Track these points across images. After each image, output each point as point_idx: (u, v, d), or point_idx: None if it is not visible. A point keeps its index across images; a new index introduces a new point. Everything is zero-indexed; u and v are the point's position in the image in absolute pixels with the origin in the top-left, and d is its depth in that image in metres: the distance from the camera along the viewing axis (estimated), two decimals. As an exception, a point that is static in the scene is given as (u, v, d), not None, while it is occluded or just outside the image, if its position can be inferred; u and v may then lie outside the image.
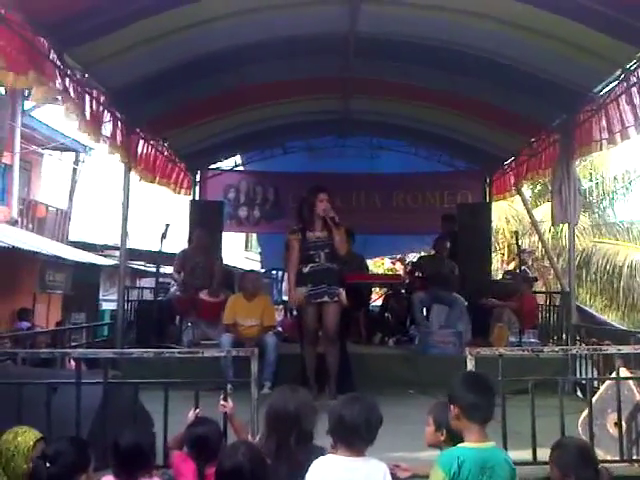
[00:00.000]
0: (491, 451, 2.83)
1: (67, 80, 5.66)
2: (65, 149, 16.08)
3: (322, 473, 2.74)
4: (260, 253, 15.71)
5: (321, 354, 5.90)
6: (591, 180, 18.89)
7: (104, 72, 6.17)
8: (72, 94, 5.83)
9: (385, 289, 10.44)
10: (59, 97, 5.53)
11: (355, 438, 2.76)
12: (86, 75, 6.05)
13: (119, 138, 7.09)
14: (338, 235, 5.78)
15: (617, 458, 3.61)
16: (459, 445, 2.82)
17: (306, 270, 5.86)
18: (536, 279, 11.81)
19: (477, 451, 2.78)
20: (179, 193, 10.00)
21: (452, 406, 2.87)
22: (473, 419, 2.83)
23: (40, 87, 5.01)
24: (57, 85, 5.48)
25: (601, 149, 6.72)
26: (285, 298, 11.14)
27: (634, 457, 3.71)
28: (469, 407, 2.84)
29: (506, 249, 17.86)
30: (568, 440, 3.10)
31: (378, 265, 21.56)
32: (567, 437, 3.19)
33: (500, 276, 11.49)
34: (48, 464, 2.78)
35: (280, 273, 11.04)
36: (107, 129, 6.86)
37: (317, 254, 5.81)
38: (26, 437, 3.05)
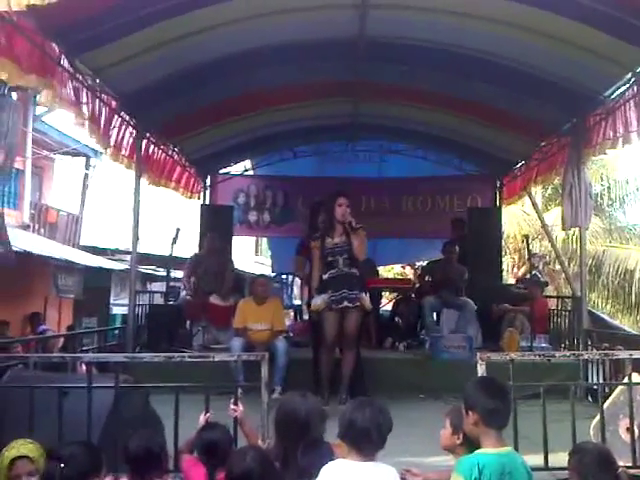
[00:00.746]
0: (509, 456, 2.82)
1: (78, 85, 5.71)
2: (76, 154, 16.16)
3: (332, 477, 2.74)
4: (271, 257, 15.73)
5: (334, 360, 5.89)
6: (602, 184, 18.80)
7: (115, 77, 6.21)
8: (83, 99, 5.88)
9: (395, 294, 10.43)
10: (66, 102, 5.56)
11: (366, 442, 2.74)
12: (97, 80, 6.09)
13: (129, 143, 7.14)
14: (356, 240, 5.77)
15: (630, 464, 3.58)
16: (478, 451, 2.81)
17: (325, 277, 5.86)
18: (547, 284, 11.75)
19: (496, 457, 2.77)
20: (189, 197, 10.04)
21: (470, 412, 2.86)
22: (492, 425, 2.82)
23: (48, 90, 5.05)
24: (68, 90, 5.54)
25: (612, 147, 6.65)
26: (296, 302, 11.18)
27: (647, 463, 3.67)
28: (489, 413, 2.83)
29: (517, 253, 17.79)
30: (588, 445, 3.08)
31: (388, 269, 21.51)
32: (586, 442, 3.16)
33: (510, 280, 11.45)
34: (62, 465, 2.79)
35: (290, 277, 11.06)
36: (117, 134, 6.92)
37: (336, 260, 5.80)
38: (9, 454, 2.99)
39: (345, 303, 5.73)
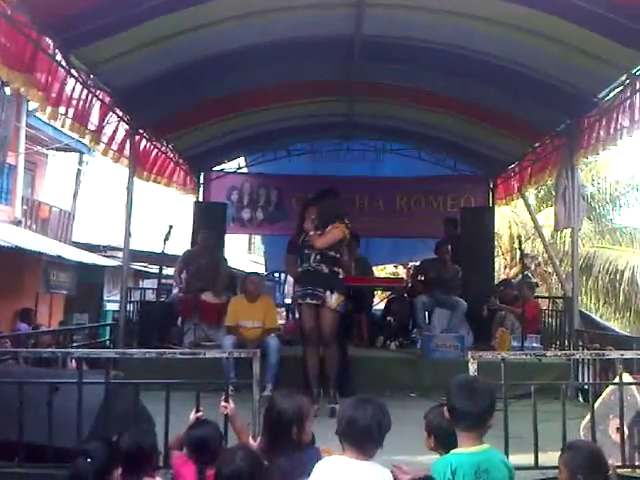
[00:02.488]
0: (485, 454, 2.80)
1: (72, 80, 5.69)
2: (69, 150, 16.11)
3: (327, 473, 2.73)
4: (264, 255, 15.72)
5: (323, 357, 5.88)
6: (593, 185, 18.88)
7: (109, 73, 6.20)
8: (77, 95, 5.86)
9: (388, 293, 10.43)
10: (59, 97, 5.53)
11: (366, 440, 2.73)
12: (91, 76, 6.07)
13: (123, 139, 7.13)
14: (313, 231, 5.75)
15: (619, 464, 3.59)
16: (453, 451, 2.81)
17: (299, 270, 5.92)
18: (537, 284, 11.78)
19: (470, 456, 2.76)
20: (182, 194, 10.02)
21: (448, 412, 2.86)
22: (460, 426, 2.82)
23: (35, 90, 5.04)
24: (61, 85, 5.53)
25: (604, 148, 6.68)
26: (288, 300, 11.17)
27: (636, 462, 3.69)
28: (458, 413, 2.82)
29: (509, 254, 17.85)
30: (581, 443, 3.09)
31: (380, 269, 21.54)
32: (579, 440, 3.17)
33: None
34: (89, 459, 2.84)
35: (283, 275, 11.05)
36: (111, 130, 6.90)
37: (309, 254, 5.80)
38: None
39: (307, 299, 5.72)
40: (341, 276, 5.83)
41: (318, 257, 5.75)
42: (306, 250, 5.82)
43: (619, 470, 3.49)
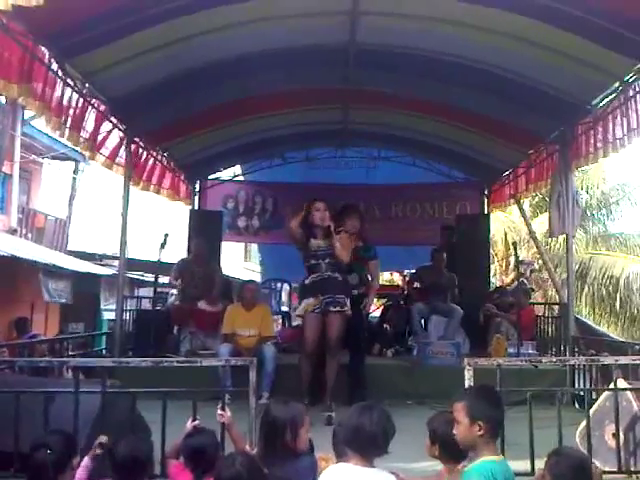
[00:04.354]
0: (505, 463, 2.85)
1: (68, 89, 5.71)
2: (65, 158, 16.11)
3: None
4: (260, 263, 15.72)
5: (319, 366, 5.87)
6: (587, 192, 18.96)
7: (105, 82, 6.21)
8: (72, 104, 5.87)
9: (384, 300, 10.43)
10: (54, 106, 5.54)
11: (371, 447, 2.74)
12: (87, 85, 6.09)
13: (118, 148, 7.14)
14: (338, 242, 5.76)
15: (615, 469, 3.60)
16: (484, 459, 2.83)
17: (308, 281, 5.84)
18: (533, 290, 11.80)
19: (500, 465, 2.80)
20: (178, 203, 10.02)
21: (479, 423, 2.86)
22: (496, 435, 2.86)
23: (31, 99, 5.05)
24: (57, 95, 5.54)
25: (596, 160, 6.75)
26: (284, 309, 11.18)
27: (632, 468, 3.70)
28: (496, 424, 2.86)
29: (503, 261, 17.88)
30: (567, 450, 3.10)
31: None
32: (566, 447, 3.18)
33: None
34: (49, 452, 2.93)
35: (279, 284, 11.06)
36: (106, 139, 6.91)
37: (319, 264, 5.78)
38: None
39: (330, 307, 5.70)
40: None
41: (331, 265, 5.76)
42: (313, 260, 5.81)
43: (615, 476, 3.51)
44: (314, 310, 5.72)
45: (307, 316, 5.79)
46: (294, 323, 10.01)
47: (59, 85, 5.57)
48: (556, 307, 9.08)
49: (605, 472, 3.39)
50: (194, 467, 3.17)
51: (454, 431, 2.96)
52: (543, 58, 6.00)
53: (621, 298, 16.95)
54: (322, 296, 5.71)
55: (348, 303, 5.79)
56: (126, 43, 5.56)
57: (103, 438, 3.24)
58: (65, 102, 5.75)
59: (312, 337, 5.72)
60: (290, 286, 11.68)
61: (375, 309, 10.25)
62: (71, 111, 5.91)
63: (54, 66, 5.41)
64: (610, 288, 17.07)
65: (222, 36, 5.94)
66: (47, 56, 5.28)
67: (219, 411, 3.53)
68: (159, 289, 8.76)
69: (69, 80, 5.71)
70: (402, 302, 9.06)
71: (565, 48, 5.72)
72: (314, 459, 3.00)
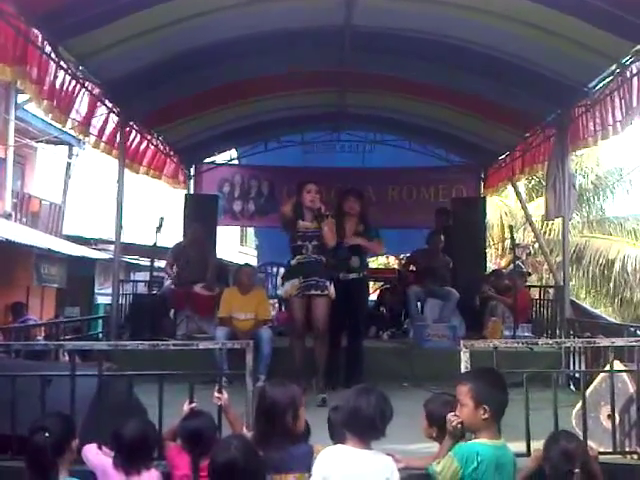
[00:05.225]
0: (503, 449, 2.87)
1: (62, 72, 5.65)
2: (59, 142, 16.00)
3: (330, 463, 2.74)
4: (257, 247, 15.70)
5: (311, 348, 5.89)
6: (584, 176, 18.97)
7: (99, 65, 6.15)
8: (65, 87, 5.82)
9: (380, 283, 10.45)
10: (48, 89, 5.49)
11: (369, 430, 2.76)
12: (80, 67, 6.03)
13: (113, 131, 7.09)
14: (326, 226, 5.76)
15: (610, 450, 3.63)
16: (476, 441, 2.84)
17: (294, 262, 5.86)
18: (529, 274, 11.83)
19: (494, 449, 2.81)
20: (174, 187, 9.99)
21: (484, 407, 2.87)
22: (499, 419, 2.87)
23: (27, 81, 5.00)
24: (51, 78, 5.49)
25: (595, 144, 6.74)
26: (280, 292, 11.17)
27: (627, 449, 3.72)
28: (500, 408, 2.88)
29: (500, 244, 17.91)
30: (565, 435, 3.12)
31: (373, 260, 21.54)
32: (567, 432, 3.21)
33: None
34: (47, 435, 2.94)
35: (275, 268, 11.05)
36: (100, 122, 6.86)
37: (305, 246, 5.79)
38: None
39: (312, 290, 5.71)
40: None
41: (317, 248, 5.76)
42: (299, 242, 5.81)
43: (610, 456, 3.53)
44: (297, 294, 5.74)
45: (292, 299, 5.82)
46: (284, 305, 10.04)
47: (52, 68, 5.51)
48: (551, 290, 9.11)
49: (601, 453, 3.40)
50: (191, 449, 3.18)
51: (457, 413, 2.98)
52: (541, 40, 5.96)
53: (615, 281, 17.04)
54: (305, 279, 5.72)
55: (331, 286, 5.78)
56: (120, 25, 5.50)
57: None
58: (59, 85, 5.70)
59: (300, 319, 5.76)
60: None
61: (372, 292, 10.27)
62: (64, 94, 5.86)
63: (47, 49, 5.35)
64: (605, 271, 17.16)
65: (217, 18, 5.87)
66: (40, 38, 5.22)
67: (216, 394, 3.53)
68: (155, 273, 8.74)
69: (62, 63, 5.65)
70: (398, 285, 9.07)
71: (563, 30, 5.68)
72: (311, 448, 3.01)
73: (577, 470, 2.79)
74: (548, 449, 2.98)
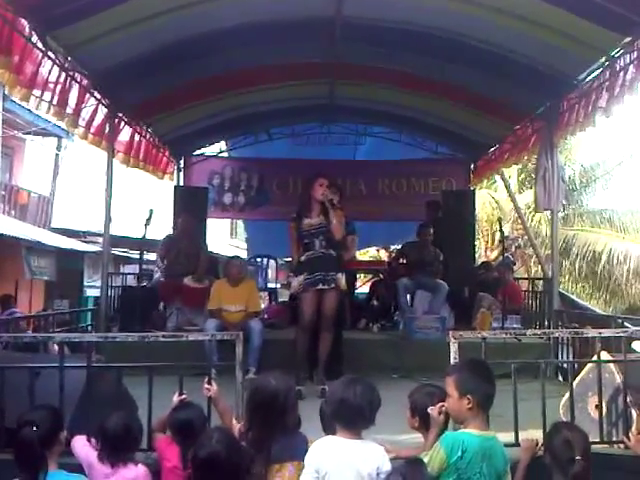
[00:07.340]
0: (492, 441, 2.89)
1: (49, 63, 5.60)
2: (47, 134, 15.91)
3: (322, 453, 2.76)
4: (246, 240, 15.69)
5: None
6: (573, 169, 19.06)
7: (87, 55, 6.09)
8: (54, 78, 5.77)
9: (370, 275, 10.46)
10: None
11: (358, 419, 2.78)
12: (69, 58, 5.98)
13: (101, 122, 7.04)
14: (335, 218, 5.74)
15: (597, 440, 3.66)
16: (465, 430, 2.86)
17: (303, 259, 5.84)
18: (514, 263, 11.88)
19: (481, 439, 2.83)
20: (163, 179, 9.94)
21: (468, 397, 2.89)
22: (486, 409, 2.89)
23: (8, 72, 4.95)
24: (37, 68, 5.44)
25: (584, 129, 6.70)
26: (271, 285, 11.18)
27: (614, 438, 3.76)
28: (486, 398, 2.89)
29: (489, 236, 17.98)
30: (566, 425, 3.16)
31: (363, 252, 21.58)
32: (568, 423, 3.25)
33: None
34: (35, 428, 2.95)
35: (265, 260, 11.05)
36: (89, 114, 6.81)
37: (312, 242, 5.78)
38: None
39: (320, 285, 5.71)
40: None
41: (325, 242, 5.76)
42: (306, 239, 5.81)
43: (597, 446, 3.56)
44: (307, 287, 5.72)
45: (302, 295, 5.80)
46: (280, 299, 10.05)
47: (40, 58, 5.46)
48: (540, 282, 9.16)
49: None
50: (181, 441, 3.19)
51: (445, 404, 3.01)
52: (530, 33, 5.96)
53: (602, 273, 17.17)
54: (313, 273, 5.72)
55: (342, 278, 5.82)
56: (109, 16, 5.44)
57: None
58: (46, 76, 5.65)
59: (309, 311, 5.74)
60: (276, 262, 11.68)
61: (361, 285, 10.30)
62: (52, 85, 5.81)
63: (34, 39, 5.30)
64: (592, 263, 17.28)
65: (206, 9, 5.83)
66: (27, 28, 5.17)
67: (206, 385, 3.54)
68: (144, 266, 8.71)
69: (50, 53, 5.61)
70: (388, 278, 9.08)
71: (552, 23, 5.68)
72: (306, 438, 3.02)
73: (578, 457, 2.82)
74: (550, 439, 3.00)
